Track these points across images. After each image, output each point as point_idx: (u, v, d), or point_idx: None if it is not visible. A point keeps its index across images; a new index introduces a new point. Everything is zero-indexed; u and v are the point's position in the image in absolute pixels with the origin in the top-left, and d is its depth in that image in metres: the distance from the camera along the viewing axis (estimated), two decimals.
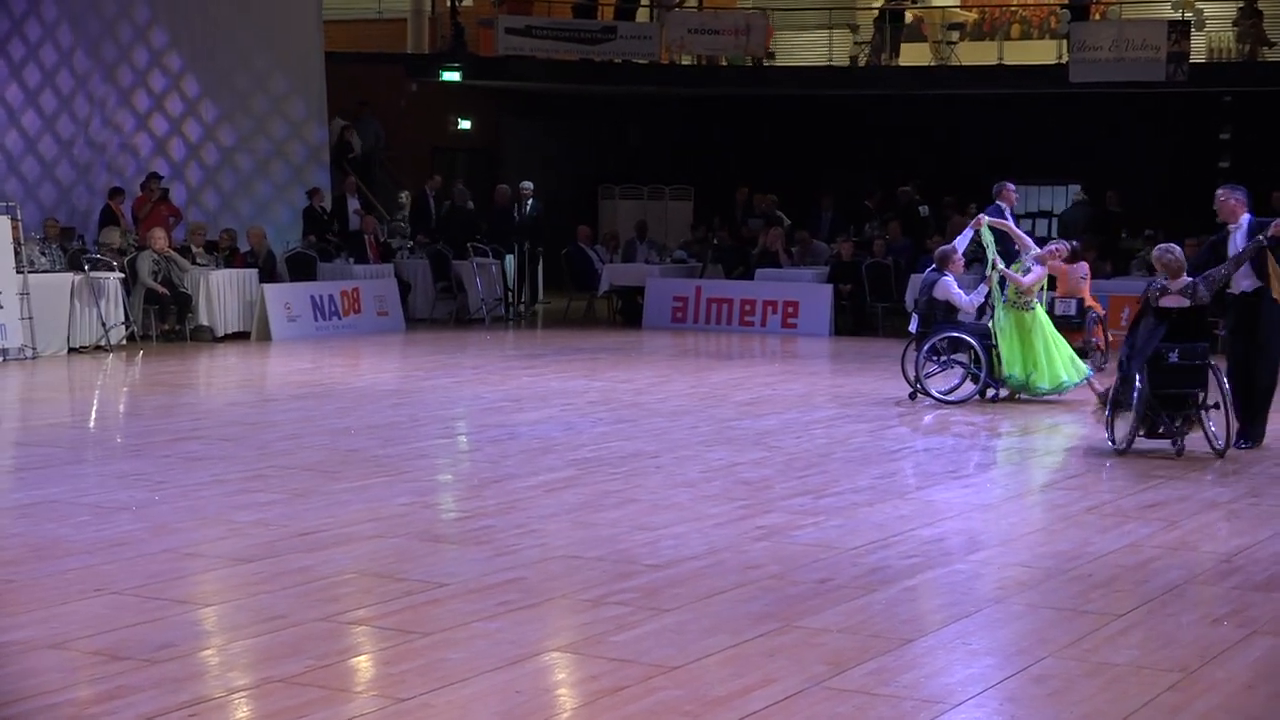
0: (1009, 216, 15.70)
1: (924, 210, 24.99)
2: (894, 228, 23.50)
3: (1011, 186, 16.08)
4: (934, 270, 15.10)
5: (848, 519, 9.52)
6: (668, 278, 23.72)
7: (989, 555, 8.68)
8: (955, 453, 12.52)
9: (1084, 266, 16.56)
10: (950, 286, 14.83)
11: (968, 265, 16.08)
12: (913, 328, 15.23)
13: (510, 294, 24.06)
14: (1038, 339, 14.62)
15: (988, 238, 14.92)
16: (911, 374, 15.03)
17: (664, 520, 9.38)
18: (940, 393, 14.84)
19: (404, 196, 25.17)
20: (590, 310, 24.88)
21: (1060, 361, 14.68)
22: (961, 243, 15.31)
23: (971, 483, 11.23)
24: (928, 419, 14.03)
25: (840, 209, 25.50)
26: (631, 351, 19.96)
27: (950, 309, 14.93)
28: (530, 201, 24.30)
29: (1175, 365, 11.75)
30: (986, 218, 15.16)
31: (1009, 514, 10.16)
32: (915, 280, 18.90)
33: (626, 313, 24.01)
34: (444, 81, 27.15)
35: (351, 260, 22.76)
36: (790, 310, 22.12)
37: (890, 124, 28.55)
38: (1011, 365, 14.59)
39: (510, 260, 24.00)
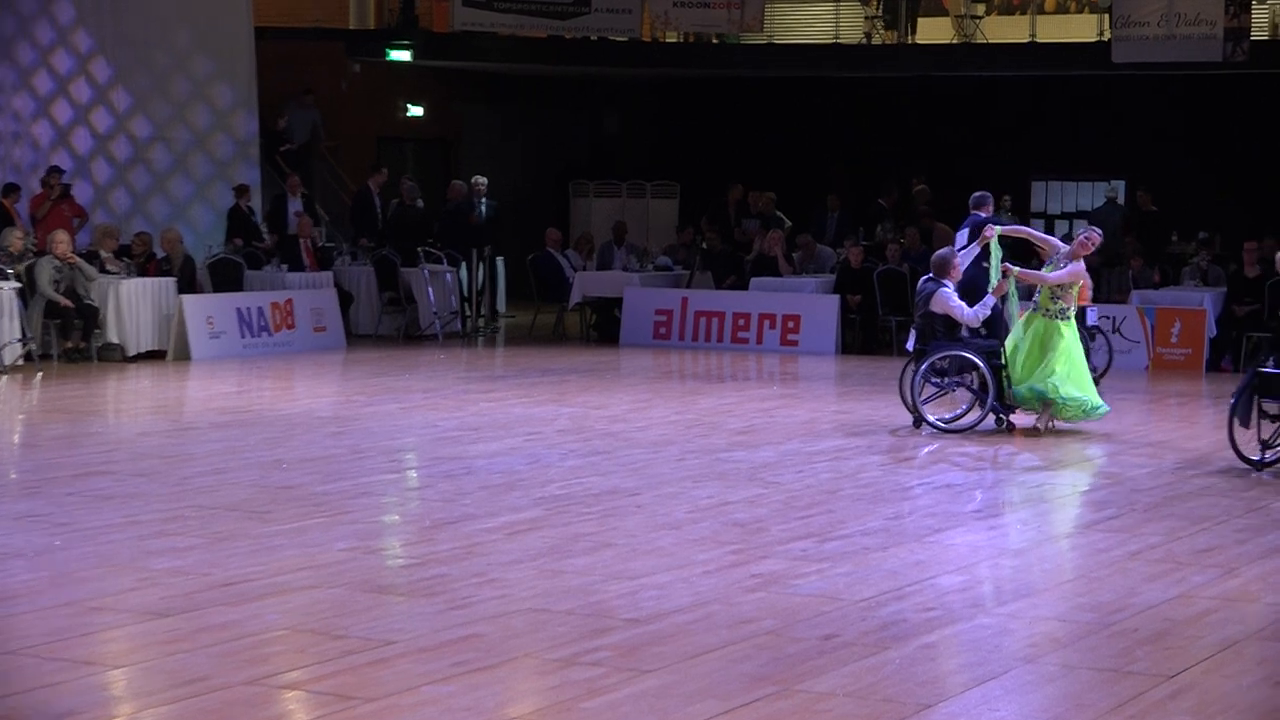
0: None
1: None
2: (911, 232, 23.49)
3: (990, 199, 16.23)
4: (930, 279, 14.95)
5: (856, 566, 9.53)
6: (649, 288, 23.73)
7: (1018, 608, 8.69)
8: (978, 489, 12.55)
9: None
10: (949, 298, 14.71)
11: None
12: (909, 345, 15.21)
13: (467, 307, 24.08)
14: (1064, 355, 14.46)
15: (996, 254, 14.81)
16: (910, 398, 15.01)
17: (644, 568, 9.39)
18: (943, 420, 14.83)
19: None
20: (560, 325, 24.89)
21: (1086, 383, 14.59)
22: (966, 257, 15.18)
23: (998, 524, 11.24)
24: (947, 451, 14.05)
25: (848, 209, 25.52)
26: (607, 373, 19.97)
27: (951, 323, 14.79)
28: (484, 200, 24.16)
29: (1271, 375, 12.49)
30: (996, 228, 15.12)
31: (1041, 560, 10.18)
32: None
33: (601, 328, 24.04)
34: (391, 61, 27.17)
35: (284, 268, 22.66)
36: (790, 325, 22.16)
37: (905, 111, 28.62)
38: (1021, 379, 14.43)
39: (467, 268, 23.99)
